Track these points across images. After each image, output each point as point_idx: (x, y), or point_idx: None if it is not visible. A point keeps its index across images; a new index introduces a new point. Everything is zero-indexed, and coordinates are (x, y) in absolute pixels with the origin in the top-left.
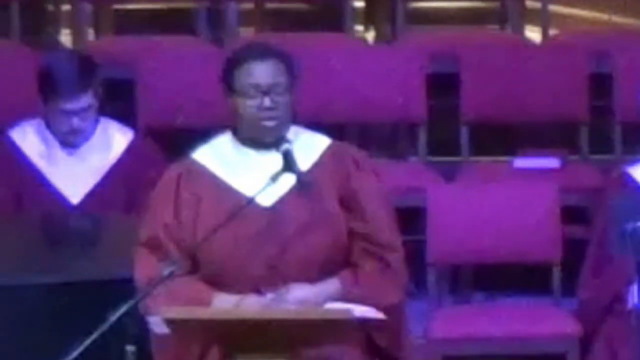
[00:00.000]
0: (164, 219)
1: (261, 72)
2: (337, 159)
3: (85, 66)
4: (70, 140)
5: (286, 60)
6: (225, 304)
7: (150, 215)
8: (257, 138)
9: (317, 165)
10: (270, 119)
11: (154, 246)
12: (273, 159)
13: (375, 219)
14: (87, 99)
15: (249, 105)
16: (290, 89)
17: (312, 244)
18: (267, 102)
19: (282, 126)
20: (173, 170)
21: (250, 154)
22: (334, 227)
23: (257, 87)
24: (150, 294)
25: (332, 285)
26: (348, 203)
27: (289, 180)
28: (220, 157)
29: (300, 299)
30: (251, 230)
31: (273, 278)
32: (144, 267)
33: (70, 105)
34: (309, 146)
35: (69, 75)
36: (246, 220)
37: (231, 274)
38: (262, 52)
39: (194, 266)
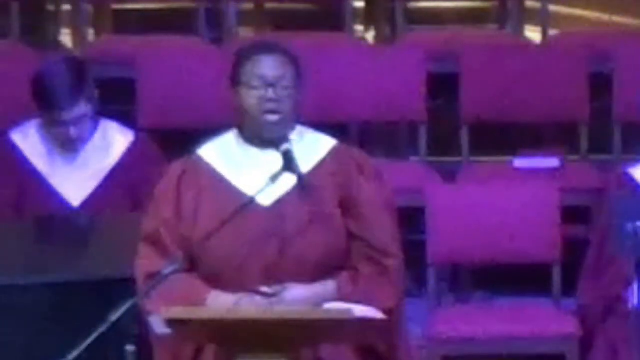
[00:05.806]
0: (165, 215)
1: (268, 64)
2: (340, 162)
3: (76, 75)
4: (69, 147)
5: (294, 60)
6: (221, 302)
7: (152, 211)
8: (260, 134)
9: (319, 166)
10: (272, 112)
11: (154, 242)
12: (276, 158)
13: (374, 223)
14: (80, 108)
15: (252, 95)
16: (297, 88)
17: (309, 244)
18: (270, 93)
19: (285, 123)
20: (178, 166)
21: (254, 152)
22: (332, 228)
23: (262, 78)
24: (150, 293)
25: (328, 286)
26: (348, 206)
27: (289, 181)
28: (225, 154)
29: (297, 298)
30: (250, 230)
31: (270, 277)
32: (143, 263)
33: (64, 116)
34: (313, 147)
35: (60, 87)
36: (245, 219)
37: (229, 273)
38: (271, 47)
39: (192, 264)
